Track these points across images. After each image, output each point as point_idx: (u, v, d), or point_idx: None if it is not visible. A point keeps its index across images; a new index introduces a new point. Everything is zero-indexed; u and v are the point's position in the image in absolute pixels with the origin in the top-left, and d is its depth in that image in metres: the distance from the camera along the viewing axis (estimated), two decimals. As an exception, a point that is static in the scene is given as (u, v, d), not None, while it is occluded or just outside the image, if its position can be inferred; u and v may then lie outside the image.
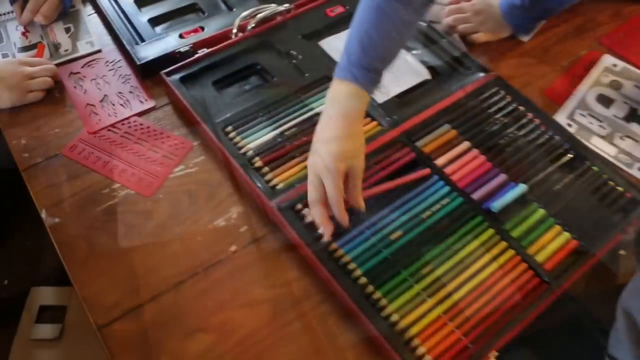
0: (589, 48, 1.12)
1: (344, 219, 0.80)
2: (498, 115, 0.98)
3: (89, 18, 1.14)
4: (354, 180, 0.81)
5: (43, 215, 0.87)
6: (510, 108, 0.99)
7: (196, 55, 1.02)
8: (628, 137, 0.98)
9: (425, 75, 1.03)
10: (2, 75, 0.98)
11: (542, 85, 1.05)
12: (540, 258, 0.82)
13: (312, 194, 0.80)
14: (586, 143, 0.96)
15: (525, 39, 1.13)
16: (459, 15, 1.11)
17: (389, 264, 0.80)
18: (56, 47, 1.08)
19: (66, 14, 1.13)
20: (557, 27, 1.15)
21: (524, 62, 1.09)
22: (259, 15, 1.06)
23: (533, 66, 1.09)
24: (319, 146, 0.81)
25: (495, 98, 1.00)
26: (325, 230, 0.80)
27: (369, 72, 0.81)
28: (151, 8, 1.13)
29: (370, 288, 0.78)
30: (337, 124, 0.81)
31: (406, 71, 1.03)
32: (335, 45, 1.06)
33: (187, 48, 1.03)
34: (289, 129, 0.94)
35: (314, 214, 0.81)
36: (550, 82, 1.06)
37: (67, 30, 1.11)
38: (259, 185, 0.86)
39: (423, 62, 1.05)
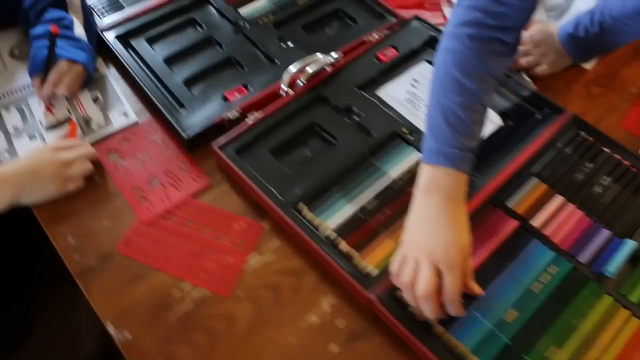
0: (656, 71, 1.06)
1: (463, 312, 0.73)
2: (584, 161, 0.91)
3: (117, 83, 1.03)
4: (467, 264, 0.73)
5: (110, 330, 0.77)
6: (594, 151, 0.92)
7: (248, 121, 0.93)
8: None
9: (498, 121, 0.96)
10: (39, 166, 0.88)
11: (617, 118, 0.99)
12: (667, 324, 0.75)
13: (427, 287, 0.71)
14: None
15: (587, 66, 1.06)
16: (519, 49, 1.03)
17: (509, 350, 0.73)
18: (87, 121, 0.97)
19: (91, 81, 1.02)
20: (617, 51, 1.08)
21: (592, 93, 1.03)
22: (309, 69, 0.97)
23: (602, 97, 1.02)
24: (429, 237, 0.73)
25: (577, 141, 0.93)
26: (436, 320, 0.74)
27: (463, 152, 0.76)
28: (183, 66, 1.03)
29: (496, 382, 0.70)
30: (444, 211, 0.74)
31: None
32: (394, 94, 0.98)
33: (236, 114, 0.93)
34: (368, 201, 0.85)
35: (427, 308, 0.72)
36: (624, 112, 1.00)
37: (95, 99, 1.00)
38: (350, 272, 0.78)
39: (491, 107, 0.97)
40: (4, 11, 1.06)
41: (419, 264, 0.72)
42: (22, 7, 1.03)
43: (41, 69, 0.96)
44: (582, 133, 0.94)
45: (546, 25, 1.05)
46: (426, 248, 0.72)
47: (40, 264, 1.19)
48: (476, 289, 0.74)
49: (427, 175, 0.77)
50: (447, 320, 0.75)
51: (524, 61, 1.04)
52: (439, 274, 0.71)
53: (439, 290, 0.71)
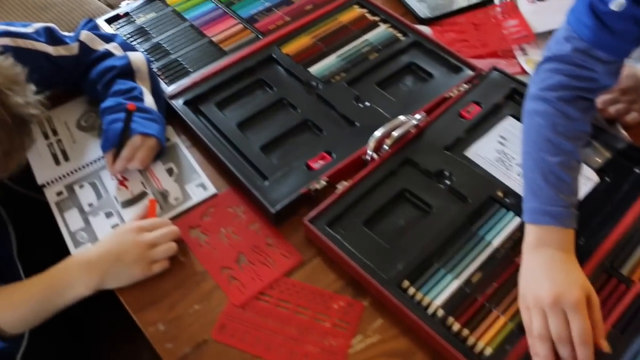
0: None
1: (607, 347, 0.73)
2: (695, 219, 0.87)
3: (190, 152, 1.00)
4: (595, 313, 0.73)
5: None
6: None
7: (337, 191, 0.89)
8: None
9: (594, 178, 0.92)
10: (123, 250, 0.85)
11: None
12: None
13: (562, 330, 0.71)
14: None
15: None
16: (606, 97, 1.00)
17: None
18: (164, 196, 0.95)
19: (163, 152, 0.99)
20: None
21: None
22: (394, 133, 0.94)
23: None
24: (549, 284, 0.74)
25: (685, 197, 0.89)
26: None
27: (568, 209, 0.78)
28: (257, 132, 1.01)
29: None
30: (558, 258, 0.77)
31: (575, 178, 0.91)
32: (483, 153, 0.95)
33: (323, 183, 0.90)
34: (473, 274, 0.82)
35: (543, 350, 0.72)
36: None
37: (170, 171, 0.98)
38: (465, 354, 0.74)
39: (584, 162, 0.94)
40: (70, 82, 1.04)
41: (547, 312, 0.72)
42: (88, 78, 1.01)
43: (115, 145, 0.94)
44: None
45: (633, 69, 1.01)
46: (548, 294, 0.72)
47: (105, 323, 1.18)
48: (605, 345, 0.72)
49: (534, 234, 0.79)
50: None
51: (612, 110, 1.00)
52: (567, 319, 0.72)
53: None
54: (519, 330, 0.76)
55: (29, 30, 0.97)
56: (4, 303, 0.83)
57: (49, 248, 0.91)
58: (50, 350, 1.07)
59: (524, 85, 1.01)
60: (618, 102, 1.01)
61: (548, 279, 0.74)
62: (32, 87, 0.80)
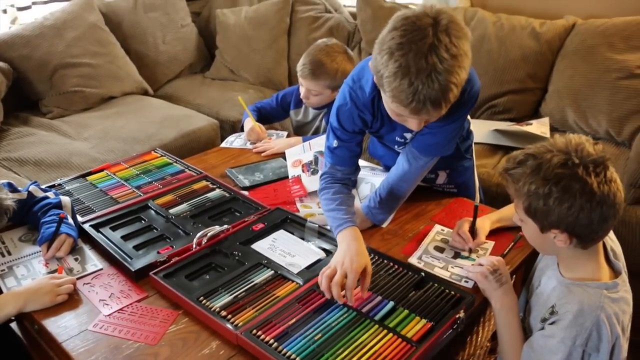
0: (425, 224, 1.86)
1: None
2: (379, 270, 1.64)
3: (90, 252, 1.76)
4: (366, 277, 1.54)
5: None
6: (383, 264, 1.66)
7: (171, 262, 1.65)
8: (457, 266, 1.67)
9: (321, 254, 1.69)
10: (39, 286, 1.55)
11: (399, 249, 1.75)
12: (409, 334, 1.42)
13: (330, 273, 1.52)
14: (430, 271, 1.63)
15: (384, 225, 1.85)
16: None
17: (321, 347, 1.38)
18: (70, 270, 1.67)
19: (74, 249, 1.74)
20: (403, 216, 1.89)
21: (386, 238, 1.80)
22: (209, 234, 1.72)
23: (392, 240, 1.80)
24: (344, 256, 1.53)
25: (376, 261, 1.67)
26: None
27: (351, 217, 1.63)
28: (133, 239, 1.77)
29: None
30: (354, 245, 1.57)
31: (304, 252, 1.69)
32: (262, 246, 1.73)
33: (164, 258, 1.66)
34: (240, 293, 1.55)
35: (324, 283, 1.50)
36: (404, 246, 1.76)
37: (76, 259, 1.72)
38: (228, 326, 1.44)
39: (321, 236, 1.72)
40: (19, 217, 1.82)
41: (338, 269, 1.51)
42: (32, 210, 1.80)
43: (48, 240, 1.69)
44: (376, 256, 1.68)
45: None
46: (343, 260, 1.52)
47: None
48: (359, 296, 1.45)
49: (339, 236, 1.65)
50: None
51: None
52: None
53: None
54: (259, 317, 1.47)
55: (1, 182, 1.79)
56: None
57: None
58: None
59: (296, 215, 1.84)
60: None
61: (345, 254, 1.51)
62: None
